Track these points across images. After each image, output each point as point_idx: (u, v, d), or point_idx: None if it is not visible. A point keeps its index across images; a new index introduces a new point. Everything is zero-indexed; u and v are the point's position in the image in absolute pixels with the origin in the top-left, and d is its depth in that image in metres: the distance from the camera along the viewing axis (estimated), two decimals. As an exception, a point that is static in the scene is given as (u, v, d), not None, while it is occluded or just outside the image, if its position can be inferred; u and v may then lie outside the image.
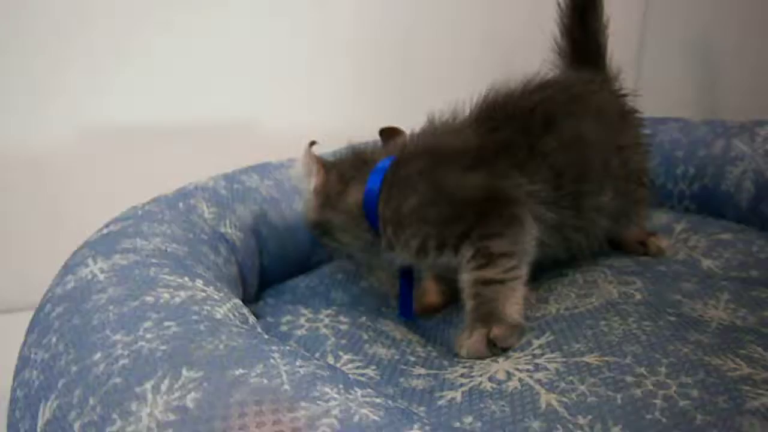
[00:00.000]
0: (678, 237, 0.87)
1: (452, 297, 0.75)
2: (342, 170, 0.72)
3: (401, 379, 0.54)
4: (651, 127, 1.05)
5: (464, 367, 0.55)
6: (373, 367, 0.57)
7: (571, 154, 0.70)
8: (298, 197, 0.94)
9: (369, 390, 0.34)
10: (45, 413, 0.37)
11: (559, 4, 0.83)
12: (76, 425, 0.34)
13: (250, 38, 1.24)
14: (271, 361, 0.36)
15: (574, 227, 0.71)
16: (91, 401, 0.35)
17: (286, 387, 0.33)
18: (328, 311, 0.69)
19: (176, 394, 0.33)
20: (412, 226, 0.66)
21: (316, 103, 1.30)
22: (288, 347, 0.40)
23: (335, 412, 0.30)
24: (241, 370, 0.34)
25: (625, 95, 0.82)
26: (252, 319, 0.50)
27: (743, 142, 0.94)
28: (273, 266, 0.87)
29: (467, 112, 0.75)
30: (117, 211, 0.75)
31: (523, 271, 0.63)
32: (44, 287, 0.55)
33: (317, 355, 0.58)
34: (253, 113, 1.28)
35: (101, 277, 0.49)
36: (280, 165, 0.99)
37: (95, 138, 1.14)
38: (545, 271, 0.76)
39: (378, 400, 0.32)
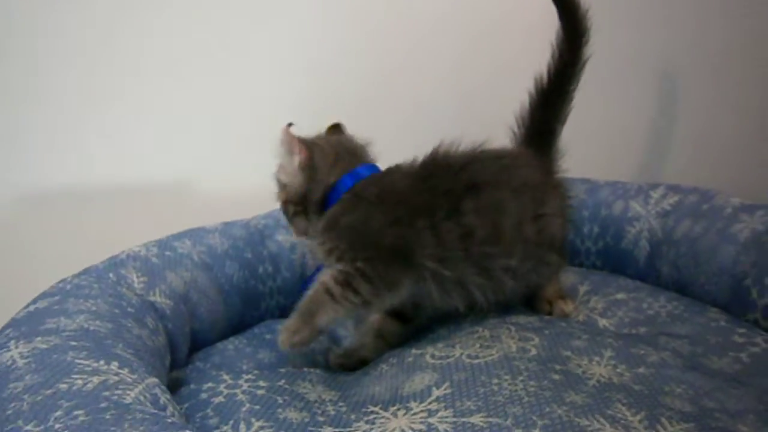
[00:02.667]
0: (581, 299, 0.95)
1: (385, 348, 0.84)
2: (331, 149, 0.86)
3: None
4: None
5: (367, 423, 0.61)
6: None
7: (485, 218, 0.80)
8: (230, 262, 0.99)
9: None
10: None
11: (530, 92, 0.94)
12: None
13: (190, 99, 1.30)
14: (166, 447, 0.40)
15: (477, 284, 0.80)
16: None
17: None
18: (249, 375, 0.73)
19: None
20: (332, 235, 0.80)
21: (256, 165, 1.35)
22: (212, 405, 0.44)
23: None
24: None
25: (554, 172, 0.93)
26: (164, 399, 0.54)
27: (639, 204, 1.03)
28: (204, 330, 0.90)
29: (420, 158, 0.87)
30: (54, 272, 0.78)
31: (361, 309, 0.80)
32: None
33: (231, 422, 0.63)
34: (194, 174, 1.32)
35: (20, 363, 0.53)
36: (214, 230, 1.03)
37: (35, 202, 1.17)
38: (461, 327, 0.83)
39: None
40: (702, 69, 1.12)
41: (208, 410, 0.66)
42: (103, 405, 0.46)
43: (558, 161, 0.94)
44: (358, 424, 0.62)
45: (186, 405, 0.67)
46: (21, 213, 1.15)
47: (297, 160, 0.83)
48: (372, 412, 0.64)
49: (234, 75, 1.32)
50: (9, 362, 0.53)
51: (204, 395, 0.69)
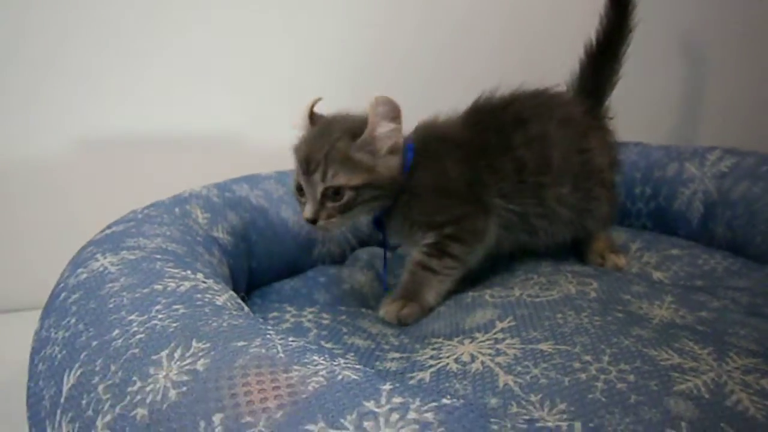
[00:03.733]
0: (633, 254, 0.95)
1: None
2: None
3: (376, 363, 0.61)
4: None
5: (433, 350, 0.62)
6: (351, 354, 0.63)
7: (534, 150, 0.84)
8: (285, 206, 1.01)
9: (350, 360, 0.41)
10: (70, 380, 0.43)
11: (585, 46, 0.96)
12: (100, 387, 0.40)
13: (241, 54, 1.31)
14: (268, 336, 0.42)
15: (537, 214, 0.84)
16: (113, 368, 0.41)
17: (281, 355, 0.39)
18: (312, 309, 0.75)
19: (188, 361, 0.39)
20: (418, 206, 0.80)
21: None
22: (280, 329, 0.46)
23: (323, 372, 0.37)
24: (242, 342, 0.41)
25: (598, 116, 0.95)
26: (247, 308, 0.56)
27: (694, 166, 1.03)
28: (261, 269, 0.93)
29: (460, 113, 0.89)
30: (114, 216, 0.80)
31: (460, 272, 0.81)
32: (42, 287, 0.61)
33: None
34: (243, 126, 1.34)
35: (112, 269, 0.55)
36: (268, 177, 1.05)
37: (94, 147, 1.20)
38: (515, 274, 0.84)
39: (357, 367, 0.39)
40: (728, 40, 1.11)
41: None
42: (198, 303, 0.48)
43: (604, 113, 0.96)
44: (425, 350, 0.64)
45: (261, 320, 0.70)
46: (77, 157, 1.18)
47: (400, 138, 0.77)
48: (436, 342, 0.66)
49: (285, 37, 1.33)
50: (101, 269, 0.56)
51: (271, 322, 0.72)
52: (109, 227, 0.75)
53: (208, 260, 0.72)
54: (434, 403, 0.33)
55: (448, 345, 0.63)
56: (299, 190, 0.78)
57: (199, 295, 0.50)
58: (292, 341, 0.42)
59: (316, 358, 0.39)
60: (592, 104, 0.93)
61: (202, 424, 0.34)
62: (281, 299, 0.87)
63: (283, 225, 0.98)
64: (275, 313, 0.74)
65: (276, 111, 1.35)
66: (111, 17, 1.16)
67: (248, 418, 0.34)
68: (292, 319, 0.71)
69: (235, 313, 0.47)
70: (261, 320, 0.48)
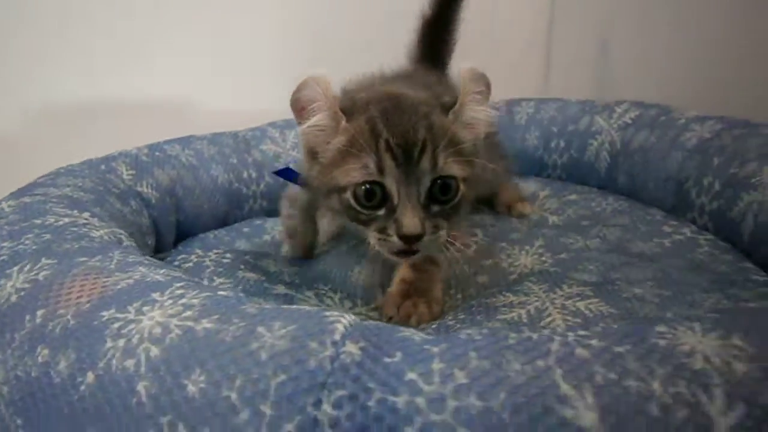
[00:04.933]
0: (540, 202, 1.02)
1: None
2: None
3: (262, 295, 0.68)
4: (535, 107, 1.19)
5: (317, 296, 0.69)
6: (240, 286, 0.70)
7: None
8: (215, 165, 1.07)
9: (178, 275, 0.48)
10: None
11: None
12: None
13: (194, 22, 1.36)
14: (110, 254, 0.49)
15: None
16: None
17: (112, 267, 0.46)
18: (218, 250, 0.82)
19: (33, 273, 0.46)
20: None
21: (253, 86, 1.42)
22: (174, 266, 0.53)
23: (136, 276, 0.44)
24: (83, 258, 0.48)
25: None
26: (127, 242, 0.63)
27: (603, 119, 1.08)
28: (188, 221, 0.99)
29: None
30: None
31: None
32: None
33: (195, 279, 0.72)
34: (191, 93, 1.40)
35: (7, 209, 0.62)
36: (202, 138, 1.11)
37: (39, 117, 1.26)
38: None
39: (172, 273, 0.46)
40: None
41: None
42: (67, 234, 0.55)
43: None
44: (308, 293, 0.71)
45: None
46: (30, 124, 1.25)
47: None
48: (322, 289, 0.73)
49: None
50: (-2, 209, 0.63)
51: (176, 263, 0.79)
52: (35, 180, 0.81)
53: (118, 209, 0.78)
54: (207, 293, 0.40)
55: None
56: (368, 196, 0.58)
57: (74, 228, 0.57)
58: (131, 260, 0.49)
59: (141, 268, 0.46)
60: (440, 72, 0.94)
61: (27, 317, 0.42)
62: (203, 246, 0.93)
63: (212, 182, 1.05)
64: (184, 255, 0.81)
65: (224, 79, 1.41)
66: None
67: (61, 311, 0.41)
68: (196, 259, 0.78)
69: (98, 242, 0.54)
70: (121, 246, 0.55)
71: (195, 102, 1.41)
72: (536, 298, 0.63)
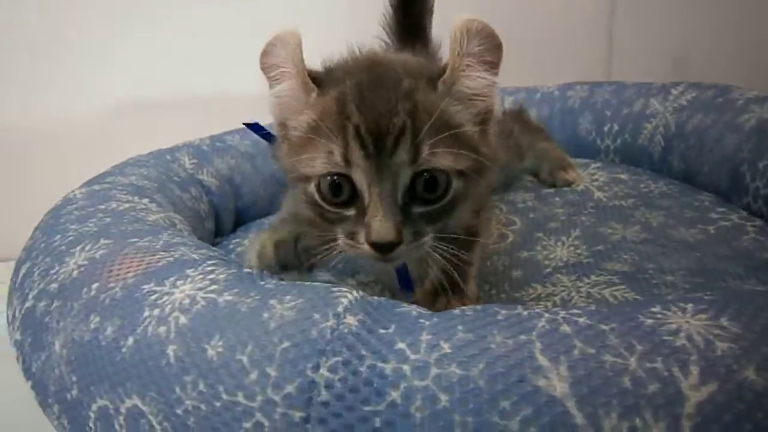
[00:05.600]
0: (589, 171, 1.02)
1: None
2: None
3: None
4: (589, 91, 1.18)
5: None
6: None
7: None
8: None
9: (209, 249, 0.53)
10: (22, 270, 0.57)
11: None
12: (35, 272, 0.54)
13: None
14: (159, 236, 0.55)
15: None
16: (47, 260, 0.55)
17: (158, 246, 0.52)
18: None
19: (92, 252, 0.52)
20: None
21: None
22: (183, 237, 0.59)
23: (176, 254, 0.49)
24: (135, 239, 0.54)
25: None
26: (181, 226, 0.69)
27: (658, 101, 1.05)
28: (246, 208, 1.06)
29: None
30: None
31: None
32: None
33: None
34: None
35: (78, 196, 0.70)
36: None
37: (107, 110, 1.36)
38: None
39: (207, 252, 0.51)
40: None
41: (231, 255, 0.81)
42: (126, 217, 0.61)
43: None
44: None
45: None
46: (89, 118, 1.35)
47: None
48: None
49: None
50: (70, 196, 0.70)
51: (231, 246, 0.85)
52: (107, 169, 0.90)
53: (178, 195, 0.85)
54: (233, 270, 0.44)
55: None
56: (334, 190, 0.49)
57: (133, 213, 0.64)
58: (178, 241, 0.54)
59: (183, 248, 0.51)
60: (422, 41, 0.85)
61: (84, 290, 0.48)
62: (258, 231, 0.99)
63: (268, 170, 1.11)
64: (237, 240, 0.87)
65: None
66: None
67: (111, 284, 0.47)
68: (247, 243, 0.84)
69: (149, 224, 0.60)
70: (171, 230, 0.60)
71: (259, 96, 1.48)
72: (563, 288, 0.64)
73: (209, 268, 0.45)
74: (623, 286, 0.63)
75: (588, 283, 0.65)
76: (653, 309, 0.37)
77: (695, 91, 1.02)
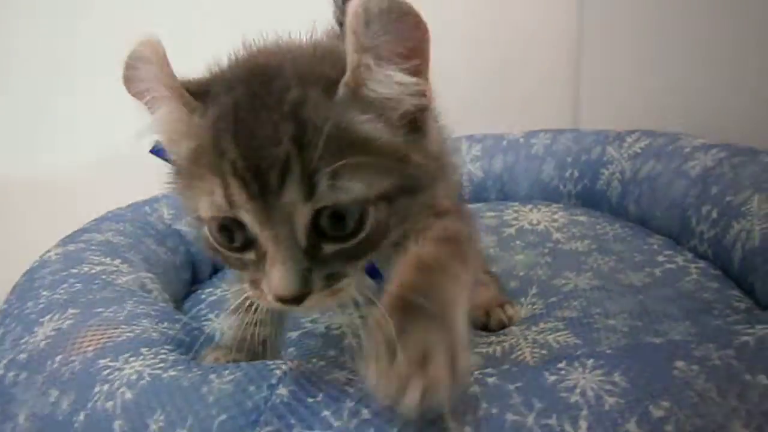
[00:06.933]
0: (551, 211, 1.09)
1: None
2: None
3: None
4: (552, 138, 1.23)
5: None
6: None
7: None
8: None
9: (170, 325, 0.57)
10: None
11: None
12: (7, 340, 0.58)
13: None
14: (125, 305, 0.59)
15: None
16: (18, 328, 0.59)
17: (121, 318, 0.56)
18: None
19: (60, 322, 0.56)
20: None
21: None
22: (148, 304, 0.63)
23: (137, 330, 0.53)
24: (101, 309, 0.58)
25: None
26: (151, 285, 0.73)
27: (614, 148, 1.11)
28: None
29: None
30: None
31: None
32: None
33: (216, 312, 0.81)
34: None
35: (53, 257, 0.74)
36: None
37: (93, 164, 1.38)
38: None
39: (165, 329, 0.55)
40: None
41: (202, 305, 0.86)
42: (96, 282, 0.66)
43: None
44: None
45: (189, 302, 0.88)
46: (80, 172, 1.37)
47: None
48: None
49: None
50: (46, 257, 0.74)
51: (203, 296, 0.89)
52: (84, 225, 0.94)
53: (153, 249, 0.89)
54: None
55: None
56: (227, 234, 0.42)
57: (104, 276, 0.68)
58: (141, 311, 0.58)
59: (145, 322, 0.56)
60: None
61: (49, 362, 0.52)
62: (231, 280, 1.04)
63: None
64: (210, 289, 0.92)
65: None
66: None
67: (72, 357, 0.51)
68: (219, 293, 0.89)
69: (118, 290, 0.64)
70: (138, 295, 0.64)
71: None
72: (512, 336, 0.68)
73: (163, 351, 0.49)
74: (566, 332, 0.68)
75: (535, 331, 0.69)
76: (560, 365, 0.41)
77: (648, 139, 1.07)
